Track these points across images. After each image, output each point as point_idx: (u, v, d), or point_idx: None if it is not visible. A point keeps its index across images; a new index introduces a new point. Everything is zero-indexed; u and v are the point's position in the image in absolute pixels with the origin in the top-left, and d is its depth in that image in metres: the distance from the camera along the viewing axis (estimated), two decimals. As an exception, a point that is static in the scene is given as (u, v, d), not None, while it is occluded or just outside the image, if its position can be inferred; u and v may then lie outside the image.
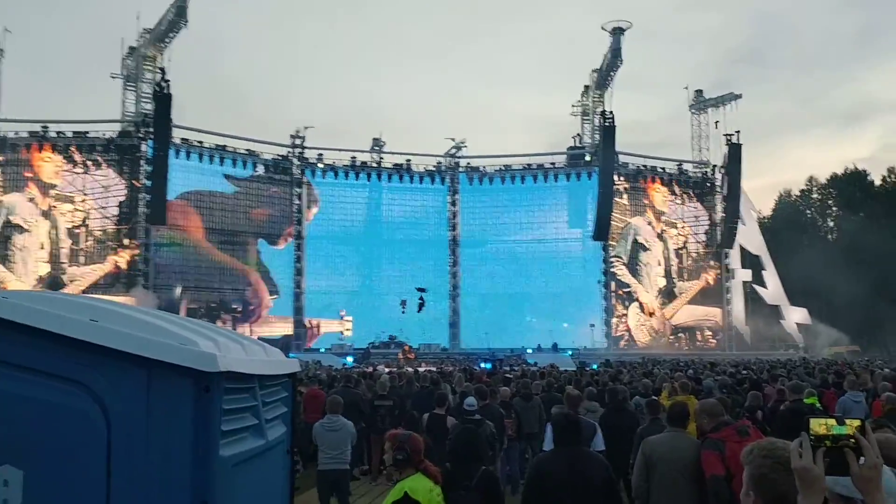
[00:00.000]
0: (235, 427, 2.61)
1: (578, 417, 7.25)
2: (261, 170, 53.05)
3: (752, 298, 58.73)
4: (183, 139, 49.63)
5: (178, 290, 48.54)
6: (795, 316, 58.00)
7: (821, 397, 12.11)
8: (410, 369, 26.34)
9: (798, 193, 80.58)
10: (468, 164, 57.93)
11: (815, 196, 79.25)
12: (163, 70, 47.77)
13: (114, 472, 2.33)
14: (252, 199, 52.90)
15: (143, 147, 47.74)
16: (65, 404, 2.34)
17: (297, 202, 54.07)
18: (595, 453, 6.83)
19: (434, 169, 57.57)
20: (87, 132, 48.32)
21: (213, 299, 50.52)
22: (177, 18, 48.20)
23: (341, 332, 50.92)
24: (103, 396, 2.34)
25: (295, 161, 54.40)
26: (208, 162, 50.48)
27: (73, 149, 47.52)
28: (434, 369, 26.30)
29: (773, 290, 58.42)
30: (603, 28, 54.81)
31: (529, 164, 57.38)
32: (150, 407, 2.34)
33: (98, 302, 2.75)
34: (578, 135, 59.59)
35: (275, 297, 52.93)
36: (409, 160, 57.44)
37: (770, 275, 58.58)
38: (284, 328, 52.22)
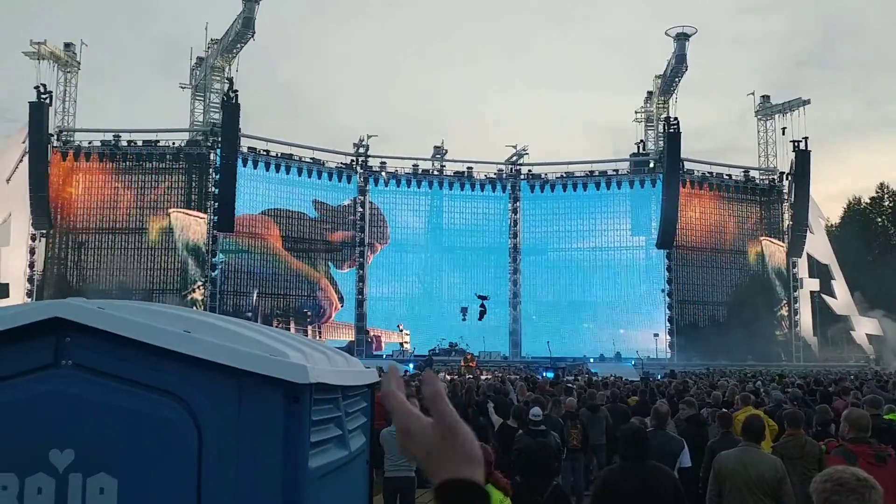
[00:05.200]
0: (322, 438, 2.63)
1: (647, 431, 7.10)
2: (326, 179, 53.67)
3: (820, 308, 57.27)
4: (250, 148, 50.54)
5: (255, 296, 49.71)
6: (866, 326, 56.36)
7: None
8: (471, 376, 26.24)
9: (868, 201, 78.41)
10: (529, 171, 57.72)
11: (886, 203, 76.97)
12: (230, 80, 48.69)
13: (204, 483, 2.36)
14: (332, 223, 54.22)
15: (212, 156, 48.71)
16: (157, 414, 2.38)
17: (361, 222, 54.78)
18: (664, 467, 6.70)
19: (495, 176, 57.53)
20: (158, 141, 49.51)
21: (284, 304, 51.57)
22: (244, 29, 49.00)
23: (401, 344, 51.15)
24: (195, 407, 2.37)
25: (358, 169, 54.96)
26: (274, 171, 51.32)
27: (143, 157, 48.81)
28: (491, 376, 26.18)
29: (842, 300, 56.86)
30: (667, 34, 54.14)
31: (592, 171, 56.87)
32: (241, 418, 2.36)
33: (190, 312, 2.80)
34: (642, 141, 58.96)
35: (340, 305, 53.64)
36: (470, 168, 57.47)
37: (839, 284, 57.04)
38: (348, 334, 52.87)
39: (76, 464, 2.34)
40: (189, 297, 47.20)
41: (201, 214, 48.29)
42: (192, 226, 48.30)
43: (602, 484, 6.19)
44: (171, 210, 48.39)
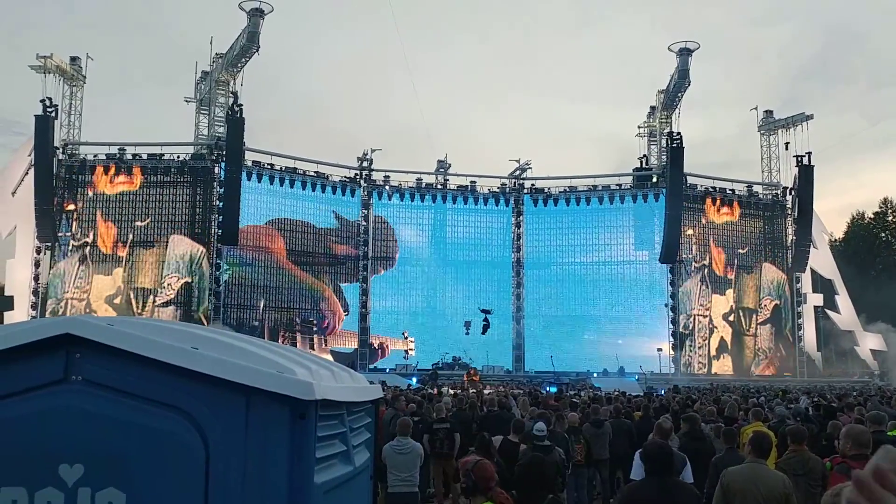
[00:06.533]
0: (327, 454, 2.66)
1: (671, 448, 7.17)
2: (329, 192, 53.84)
3: (823, 324, 57.14)
4: (254, 161, 50.65)
5: (262, 306, 49.99)
6: (870, 342, 56.17)
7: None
8: (474, 391, 26.24)
9: (872, 216, 78.29)
10: (533, 185, 57.80)
11: (890, 218, 76.89)
12: (235, 94, 48.84)
13: (211, 498, 2.39)
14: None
15: (216, 170, 48.84)
16: (166, 430, 2.41)
17: (365, 235, 55.00)
18: (687, 483, 6.78)
19: (499, 190, 57.62)
20: (162, 155, 49.66)
21: (290, 315, 51.74)
22: (249, 44, 49.11)
23: (405, 352, 51.44)
24: (203, 423, 2.41)
25: (362, 183, 55.08)
26: (279, 184, 51.47)
27: (148, 171, 49.00)
28: (493, 390, 26.15)
29: (845, 315, 56.70)
30: (670, 49, 54.21)
31: (595, 186, 56.92)
32: (248, 433, 2.40)
33: (198, 329, 2.84)
34: (645, 156, 58.98)
35: (346, 314, 53.81)
36: (473, 182, 57.56)
37: (843, 299, 56.90)
38: (352, 343, 53.14)
39: (85, 478, 2.38)
40: (194, 314, 47.32)
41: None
42: (191, 251, 48.54)
43: (626, 499, 6.29)
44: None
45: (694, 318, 53.99)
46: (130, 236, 48.37)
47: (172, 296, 47.81)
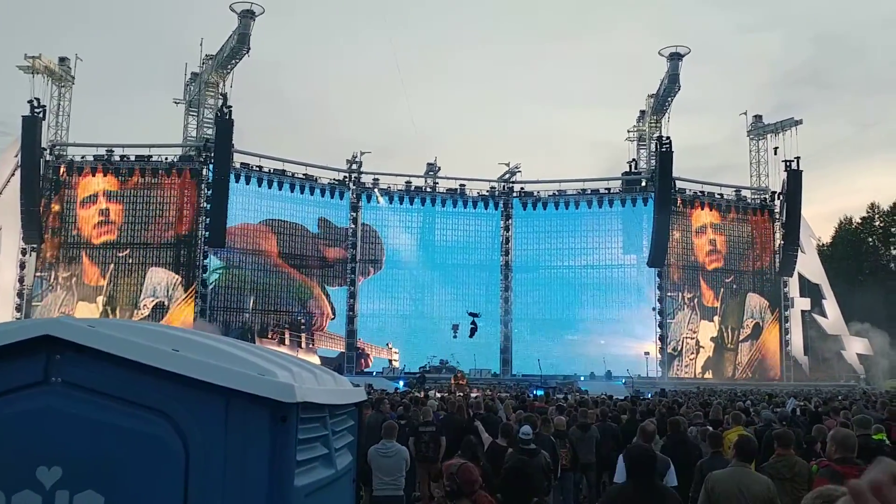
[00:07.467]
0: (308, 457, 2.64)
1: (655, 451, 7.17)
2: (318, 195, 53.77)
3: (810, 328, 57.40)
4: (243, 164, 50.51)
5: (251, 304, 50.14)
6: (856, 346, 56.49)
7: (888, 432, 11.67)
8: (461, 394, 26.22)
9: (859, 221, 78.74)
10: (522, 188, 57.88)
11: (877, 223, 77.32)
12: (225, 96, 48.70)
13: (191, 500, 2.37)
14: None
15: (205, 171, 48.66)
16: (145, 432, 2.39)
17: (353, 238, 55.00)
18: (669, 488, 6.79)
19: (488, 194, 57.65)
20: (151, 156, 49.43)
21: (278, 314, 51.69)
22: (239, 45, 49.04)
23: (389, 361, 51.64)
24: (182, 425, 2.39)
25: (351, 186, 55.01)
26: (267, 187, 51.33)
27: (135, 171, 48.76)
28: (480, 394, 26.12)
29: (832, 319, 57.02)
30: (660, 53, 54.42)
31: (584, 189, 57.01)
32: (228, 436, 2.38)
33: (178, 331, 2.82)
34: (634, 160, 59.17)
35: (332, 318, 53.73)
36: (463, 185, 57.58)
37: (830, 304, 57.22)
38: (340, 345, 53.10)
39: (63, 481, 2.35)
40: (178, 315, 47.24)
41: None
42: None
43: (607, 502, 6.30)
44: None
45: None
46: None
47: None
